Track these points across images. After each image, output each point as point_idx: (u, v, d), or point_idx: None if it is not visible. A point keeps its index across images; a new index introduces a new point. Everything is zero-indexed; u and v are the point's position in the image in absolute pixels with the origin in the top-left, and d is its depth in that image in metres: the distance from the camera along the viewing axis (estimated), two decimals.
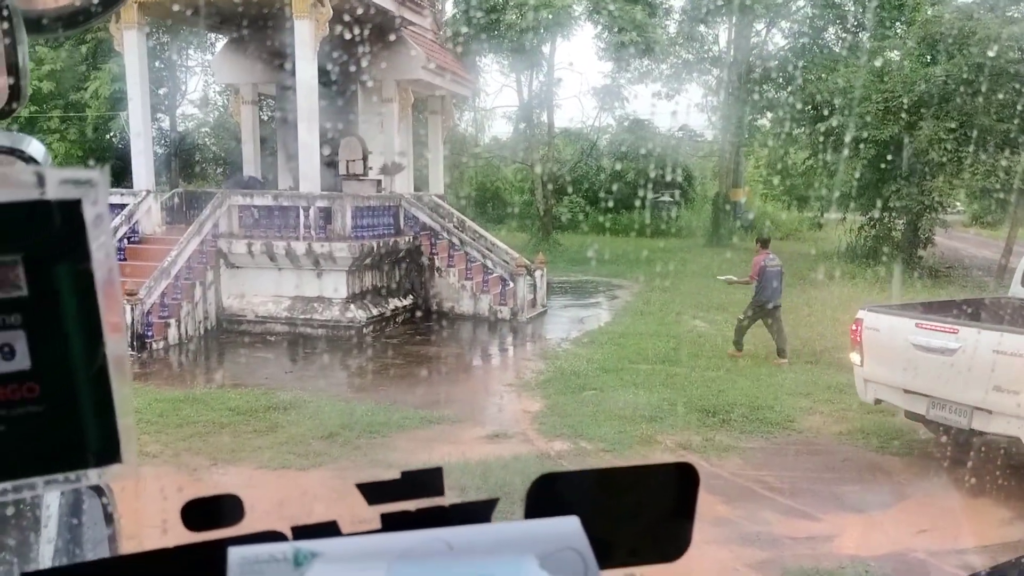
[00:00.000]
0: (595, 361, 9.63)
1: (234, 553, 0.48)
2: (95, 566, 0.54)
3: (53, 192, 0.44)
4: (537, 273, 13.58)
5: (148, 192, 12.13)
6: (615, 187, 28.54)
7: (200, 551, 0.52)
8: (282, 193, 12.44)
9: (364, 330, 11.03)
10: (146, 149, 12.67)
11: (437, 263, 12.84)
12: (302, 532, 0.53)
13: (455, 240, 12.91)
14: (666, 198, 29.23)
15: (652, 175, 27.27)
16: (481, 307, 12.63)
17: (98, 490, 1.16)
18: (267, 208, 11.49)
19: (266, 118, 17.92)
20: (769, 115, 25.08)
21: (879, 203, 18.27)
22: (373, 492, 0.57)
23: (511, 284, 12.63)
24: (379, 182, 13.76)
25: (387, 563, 0.48)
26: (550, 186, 26.05)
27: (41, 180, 0.43)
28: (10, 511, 1.16)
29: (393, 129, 14.10)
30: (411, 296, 12.71)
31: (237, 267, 11.44)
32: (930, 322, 5.95)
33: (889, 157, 16.91)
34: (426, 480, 0.58)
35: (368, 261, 11.57)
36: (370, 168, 14.01)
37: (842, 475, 6.06)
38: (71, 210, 0.44)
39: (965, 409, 5.54)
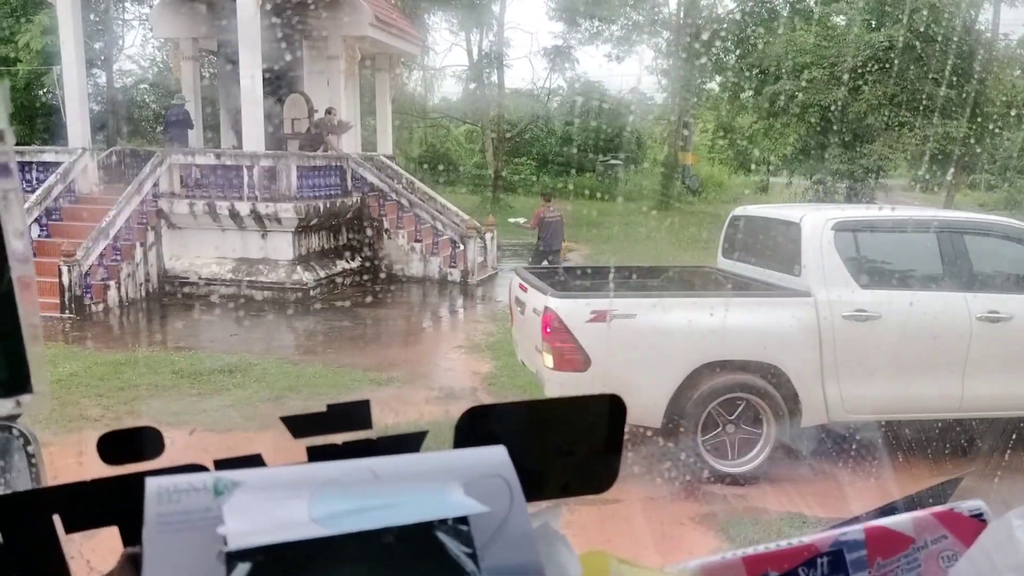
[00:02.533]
0: None
1: (151, 483, 0.47)
2: (5, 500, 0.53)
3: None
4: (487, 235, 13.56)
5: (84, 150, 11.69)
6: (565, 149, 28.52)
7: (118, 483, 0.52)
8: (225, 152, 12.12)
9: (311, 292, 10.89)
10: (81, 105, 12.16)
11: (386, 224, 12.71)
12: (225, 465, 0.52)
13: (404, 201, 12.78)
14: (615, 161, 29.31)
15: (602, 137, 27.30)
16: (431, 269, 12.57)
17: (22, 436, 1.06)
18: (210, 167, 11.18)
19: (208, 75, 17.38)
20: (718, 78, 25.21)
21: (822, 167, 18.61)
22: (298, 425, 0.56)
23: (461, 247, 12.57)
24: (313, 136, 13.48)
25: (310, 491, 0.48)
26: (501, 148, 25.90)
27: None
28: None
29: (340, 87, 13.79)
30: (359, 258, 12.57)
31: (179, 228, 11.15)
32: (523, 281, 5.64)
33: (832, 121, 17.19)
34: (353, 413, 0.58)
35: (314, 222, 11.38)
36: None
37: None
38: None
39: (535, 363, 5.44)
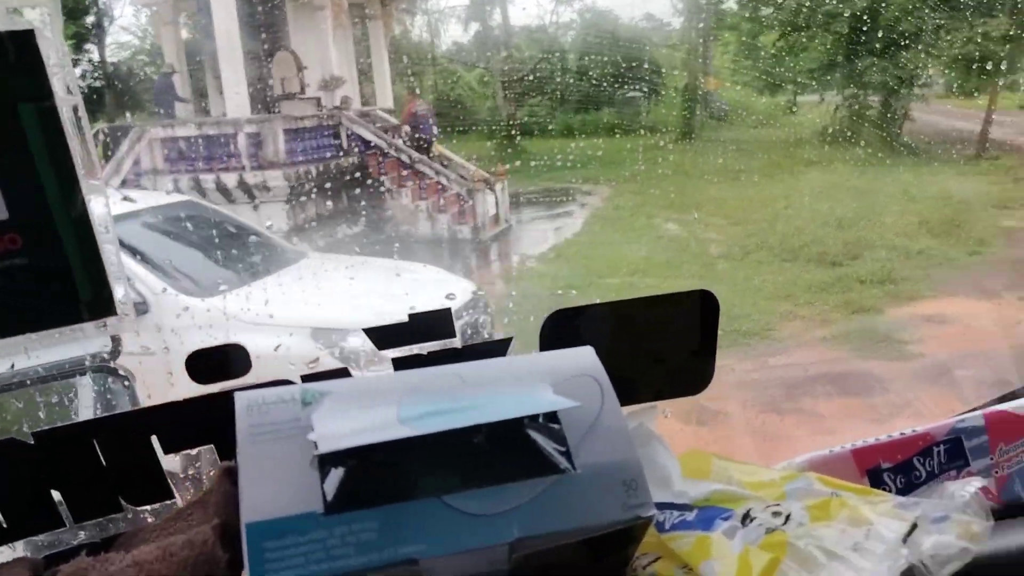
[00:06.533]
0: (561, 279, 8.96)
1: (241, 397, 0.49)
2: (102, 421, 0.55)
3: (1, 23, 0.42)
4: (498, 186, 12.73)
5: None
6: (581, 85, 27.43)
7: (208, 401, 0.55)
8: (205, 121, 11.40)
9: None
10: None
11: (387, 184, 11.94)
12: (312, 378, 0.54)
13: (404, 157, 11.97)
14: (635, 93, 28.14)
15: (618, 70, 26.16)
16: (439, 228, 11.82)
17: (122, 377, 1.18)
18: (191, 138, 10.49)
19: (191, 38, 16.58)
20: None
21: (853, 80, 17.43)
22: (381, 336, 0.59)
23: (470, 201, 11.80)
24: (319, 100, 12.69)
25: (397, 397, 0.50)
26: (512, 89, 24.89)
27: None
28: (49, 398, 1.23)
29: (328, 39, 12.94)
30: (362, 222, 11.85)
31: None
32: None
33: (862, 30, 15.96)
34: (435, 322, 0.59)
35: (308, 188, 10.66)
36: (307, 85, 12.94)
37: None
38: (24, 42, 0.43)
39: None
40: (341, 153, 11.79)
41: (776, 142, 18.81)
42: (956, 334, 6.48)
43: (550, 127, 26.83)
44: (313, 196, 10.93)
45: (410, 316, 0.58)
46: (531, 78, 27.14)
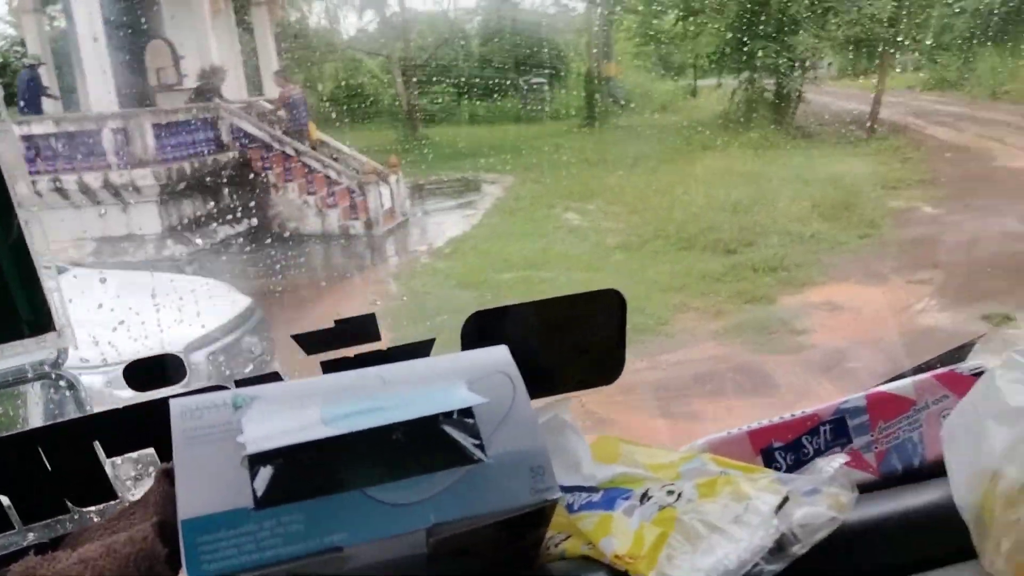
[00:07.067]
0: (455, 276, 8.61)
1: (175, 404, 0.51)
2: (46, 429, 0.57)
3: None
4: (392, 178, 12.24)
5: None
6: (485, 72, 27.08)
7: (146, 408, 0.58)
8: (65, 117, 10.53)
9: (187, 268, 9.57)
10: None
11: (272, 179, 11.28)
12: (245, 383, 0.56)
13: (289, 150, 11.34)
14: (539, 80, 27.94)
15: (523, 56, 25.89)
16: (330, 224, 11.25)
17: (67, 385, 1.15)
18: (49, 136, 9.64)
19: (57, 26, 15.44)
20: None
21: (748, 64, 17.63)
22: (310, 342, 0.62)
23: (361, 194, 11.28)
24: (195, 91, 11.93)
25: (322, 399, 0.53)
26: (413, 76, 24.30)
27: None
28: None
29: (206, 26, 12.17)
30: (245, 221, 11.18)
31: (24, 210, 9.66)
32: None
33: (754, 13, 16.12)
34: (361, 326, 0.63)
35: (183, 186, 9.95)
36: (185, 75, 12.16)
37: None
38: None
39: None
40: (220, 147, 11.06)
41: (677, 127, 18.90)
42: (847, 322, 6.43)
43: (455, 115, 26.41)
44: (189, 195, 10.22)
45: (336, 322, 0.61)
46: (434, 65, 26.62)
